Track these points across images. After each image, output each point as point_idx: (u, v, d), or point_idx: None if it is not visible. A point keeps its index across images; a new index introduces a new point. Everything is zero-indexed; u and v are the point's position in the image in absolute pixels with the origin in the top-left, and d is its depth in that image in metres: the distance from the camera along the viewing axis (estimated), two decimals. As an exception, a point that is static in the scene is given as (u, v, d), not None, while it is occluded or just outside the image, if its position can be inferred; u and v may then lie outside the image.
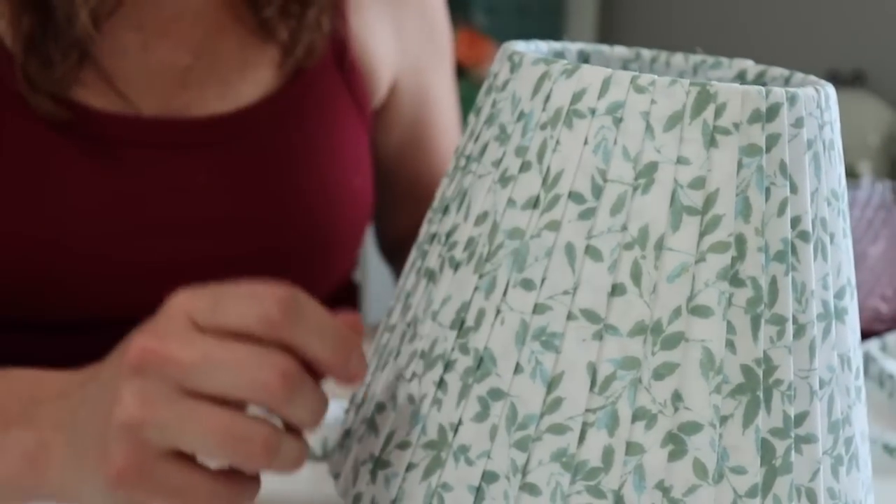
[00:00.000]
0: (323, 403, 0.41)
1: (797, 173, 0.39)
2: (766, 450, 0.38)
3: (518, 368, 0.39)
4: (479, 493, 0.39)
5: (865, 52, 2.78)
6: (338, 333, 0.41)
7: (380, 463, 0.42)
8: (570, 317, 0.38)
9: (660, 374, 0.37)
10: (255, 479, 0.42)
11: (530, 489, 0.38)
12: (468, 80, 2.47)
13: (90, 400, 0.43)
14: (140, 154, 0.67)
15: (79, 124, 0.65)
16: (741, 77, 0.49)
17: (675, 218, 0.38)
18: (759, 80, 0.48)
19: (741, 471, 0.38)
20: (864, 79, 2.75)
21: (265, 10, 0.70)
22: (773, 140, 0.38)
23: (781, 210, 0.39)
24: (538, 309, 0.39)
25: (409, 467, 0.40)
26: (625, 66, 0.50)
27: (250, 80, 0.71)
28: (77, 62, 0.65)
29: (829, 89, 0.41)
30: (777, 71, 0.48)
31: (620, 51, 0.50)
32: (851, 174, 2.41)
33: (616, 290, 0.38)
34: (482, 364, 0.39)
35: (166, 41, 0.68)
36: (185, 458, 0.41)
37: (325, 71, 0.74)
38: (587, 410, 0.38)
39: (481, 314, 0.40)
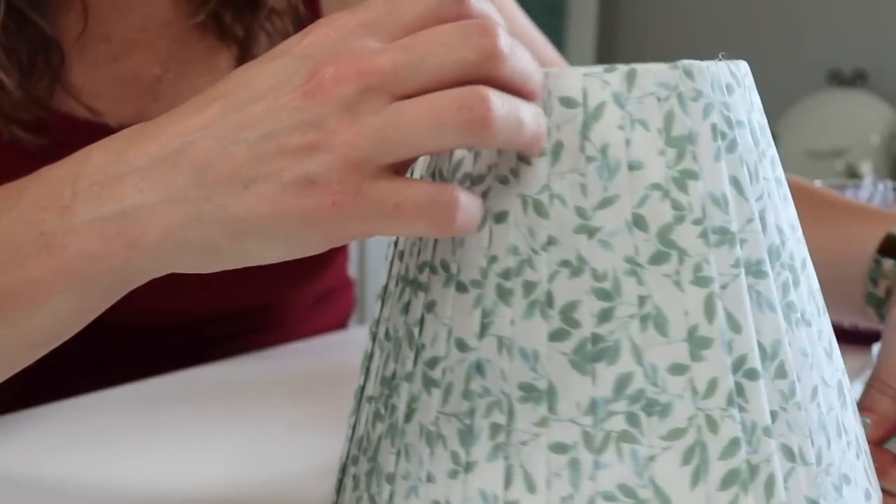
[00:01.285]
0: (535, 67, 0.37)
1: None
2: None
3: None
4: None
5: (866, 51, 2.78)
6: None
7: None
8: None
9: None
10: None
11: None
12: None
13: (225, 143, 0.37)
14: None
15: (52, 146, 0.65)
16: None
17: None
18: None
19: None
20: (866, 79, 2.75)
21: (224, 17, 0.70)
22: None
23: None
24: None
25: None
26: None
27: None
28: (49, 83, 0.65)
29: (735, 65, 0.41)
30: None
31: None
32: (853, 174, 2.41)
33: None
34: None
35: (135, 53, 0.68)
36: (396, 172, 0.37)
37: None
38: None
39: None
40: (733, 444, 0.38)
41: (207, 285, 0.72)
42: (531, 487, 0.38)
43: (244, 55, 0.70)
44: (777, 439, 0.38)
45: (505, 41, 0.36)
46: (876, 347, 0.73)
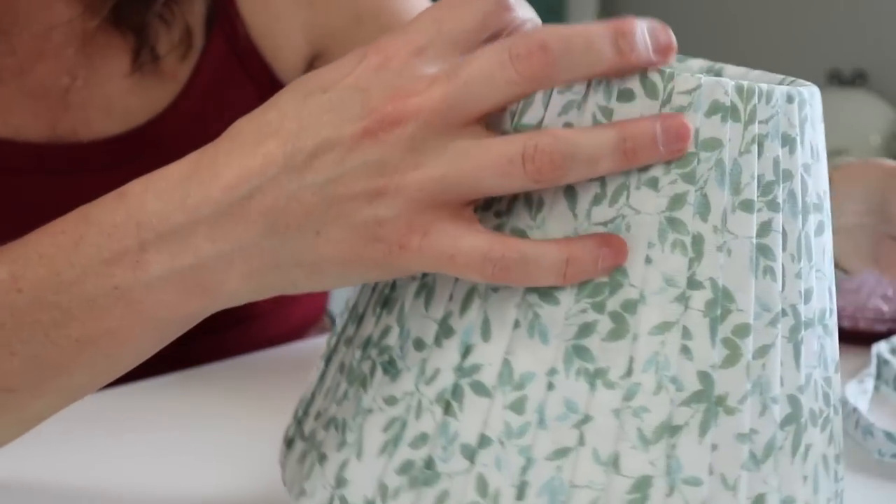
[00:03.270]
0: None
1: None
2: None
3: None
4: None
5: (866, 52, 2.78)
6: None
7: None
8: None
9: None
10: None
11: None
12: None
13: (290, 191, 0.37)
14: (34, 181, 0.66)
15: None
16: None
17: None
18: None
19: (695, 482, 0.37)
20: (865, 79, 2.75)
21: (122, 10, 0.67)
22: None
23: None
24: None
25: (675, 431, 0.37)
26: None
27: (138, 94, 0.69)
28: None
29: (810, 90, 0.40)
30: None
31: None
32: (852, 174, 2.41)
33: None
34: None
35: (42, 63, 0.67)
36: (466, 215, 0.37)
37: (222, 66, 0.71)
38: None
39: (699, 240, 0.38)
40: (421, 437, 0.39)
41: None
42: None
43: (140, 45, 0.68)
44: (465, 472, 0.38)
45: (550, 58, 0.35)
46: (875, 347, 0.73)
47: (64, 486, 0.53)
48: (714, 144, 0.37)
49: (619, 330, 0.37)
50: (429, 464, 0.38)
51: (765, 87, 0.37)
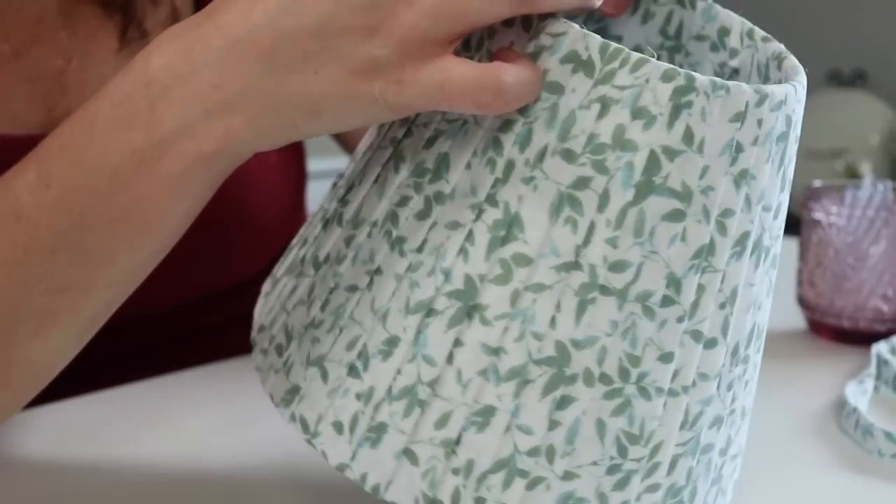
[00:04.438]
0: None
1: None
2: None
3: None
4: (496, 353, 0.40)
5: (866, 52, 2.78)
6: None
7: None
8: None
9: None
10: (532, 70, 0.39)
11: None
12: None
13: (289, 30, 0.38)
14: None
15: None
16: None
17: None
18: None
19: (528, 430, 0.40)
20: (865, 79, 2.75)
21: None
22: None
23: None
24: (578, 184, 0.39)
25: (431, 313, 0.40)
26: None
27: None
28: None
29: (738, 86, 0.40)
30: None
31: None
32: (853, 174, 2.41)
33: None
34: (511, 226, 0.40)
35: (36, 47, 0.67)
36: (448, 50, 0.38)
37: None
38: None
39: (510, 165, 0.40)
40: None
41: (170, 274, 0.71)
42: None
43: (126, 22, 0.68)
44: (311, 277, 0.45)
45: None
46: (875, 347, 0.73)
47: (65, 485, 0.53)
48: (556, 89, 0.39)
49: (424, 212, 0.41)
50: (302, 261, 0.46)
51: (635, 55, 0.38)
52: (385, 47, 0.37)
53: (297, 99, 0.39)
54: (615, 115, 0.38)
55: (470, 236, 0.40)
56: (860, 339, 0.81)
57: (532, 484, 0.40)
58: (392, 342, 0.41)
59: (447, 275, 0.40)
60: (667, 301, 0.40)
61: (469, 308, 0.40)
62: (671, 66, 0.39)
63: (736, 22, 0.50)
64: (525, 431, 0.40)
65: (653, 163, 0.39)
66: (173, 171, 0.40)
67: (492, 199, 0.40)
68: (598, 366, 0.40)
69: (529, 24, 0.39)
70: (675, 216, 0.39)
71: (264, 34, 0.38)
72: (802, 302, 0.84)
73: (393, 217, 0.42)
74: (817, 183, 0.85)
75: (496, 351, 0.40)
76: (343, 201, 0.45)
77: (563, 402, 0.40)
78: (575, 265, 0.39)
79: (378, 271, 0.42)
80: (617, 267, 0.39)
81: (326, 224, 0.45)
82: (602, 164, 0.39)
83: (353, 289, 0.42)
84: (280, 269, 0.49)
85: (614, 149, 0.39)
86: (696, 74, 0.38)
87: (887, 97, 2.72)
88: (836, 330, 0.82)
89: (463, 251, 0.40)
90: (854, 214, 0.80)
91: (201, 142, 0.40)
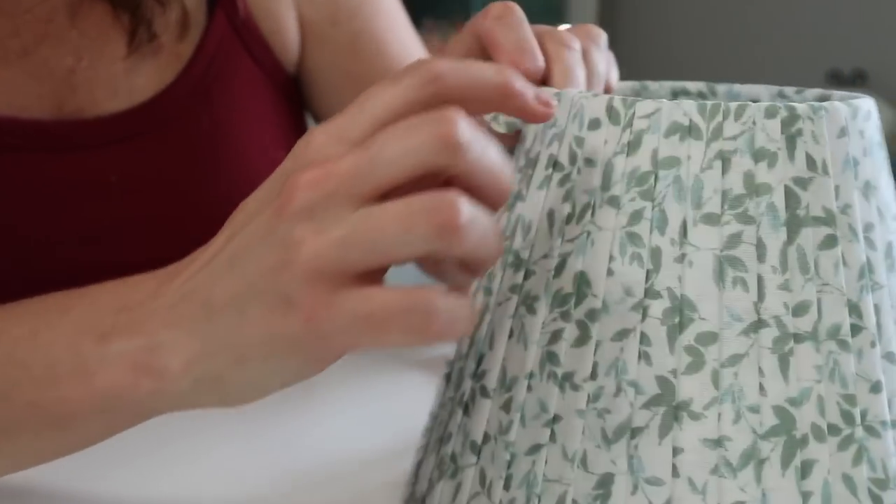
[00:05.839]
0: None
1: None
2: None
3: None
4: (720, 444, 0.38)
5: (866, 52, 2.78)
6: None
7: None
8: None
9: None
10: (461, 297, 0.36)
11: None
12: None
13: (222, 275, 0.38)
14: (38, 159, 0.66)
15: None
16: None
17: None
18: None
19: None
20: (865, 79, 2.75)
21: None
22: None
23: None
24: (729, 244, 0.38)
25: (636, 433, 0.38)
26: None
27: (142, 74, 0.70)
28: None
29: (819, 106, 0.40)
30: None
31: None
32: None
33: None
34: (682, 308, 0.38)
35: (45, 45, 0.67)
36: (370, 281, 0.36)
37: (224, 45, 0.72)
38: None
39: (657, 253, 0.38)
40: (447, 437, 0.43)
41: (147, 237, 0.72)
42: None
43: (135, 24, 0.69)
44: (474, 465, 0.41)
45: (463, 130, 0.35)
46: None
47: (63, 485, 0.53)
48: (672, 163, 0.38)
49: (583, 337, 0.39)
50: (453, 457, 0.42)
51: (734, 105, 0.38)
52: (294, 280, 0.35)
53: (223, 342, 0.38)
54: (738, 165, 0.38)
55: (644, 338, 0.38)
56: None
57: None
58: (605, 482, 0.38)
59: (636, 386, 0.38)
60: (855, 329, 0.39)
61: (674, 410, 0.38)
62: (769, 103, 0.39)
63: (762, 90, 0.50)
64: None
65: (791, 197, 0.38)
66: (103, 391, 0.40)
67: (651, 293, 0.38)
68: (822, 417, 0.38)
69: (618, 118, 0.39)
70: (830, 242, 0.39)
71: (203, 279, 0.39)
72: (803, 302, 0.84)
73: (550, 357, 0.39)
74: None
75: (719, 442, 0.38)
76: (478, 375, 0.42)
77: (806, 469, 0.38)
78: (760, 323, 0.38)
79: (556, 419, 0.39)
80: (800, 310, 0.38)
81: (467, 407, 0.42)
82: (745, 214, 0.38)
83: (535, 449, 0.39)
84: (419, 483, 0.45)
85: (751, 196, 0.38)
86: (793, 104, 0.39)
87: (887, 97, 2.71)
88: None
89: (643, 355, 0.38)
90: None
91: (138, 373, 0.40)
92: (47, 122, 0.66)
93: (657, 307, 0.38)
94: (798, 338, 0.38)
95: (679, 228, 0.38)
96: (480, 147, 0.36)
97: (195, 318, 0.39)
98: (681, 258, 0.38)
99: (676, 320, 0.38)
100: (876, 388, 0.39)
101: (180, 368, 0.39)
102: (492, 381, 0.41)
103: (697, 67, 2.98)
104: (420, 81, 0.37)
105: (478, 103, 0.38)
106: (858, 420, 0.39)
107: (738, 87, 0.50)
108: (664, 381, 0.38)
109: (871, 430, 0.39)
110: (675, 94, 0.51)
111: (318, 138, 0.37)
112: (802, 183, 0.39)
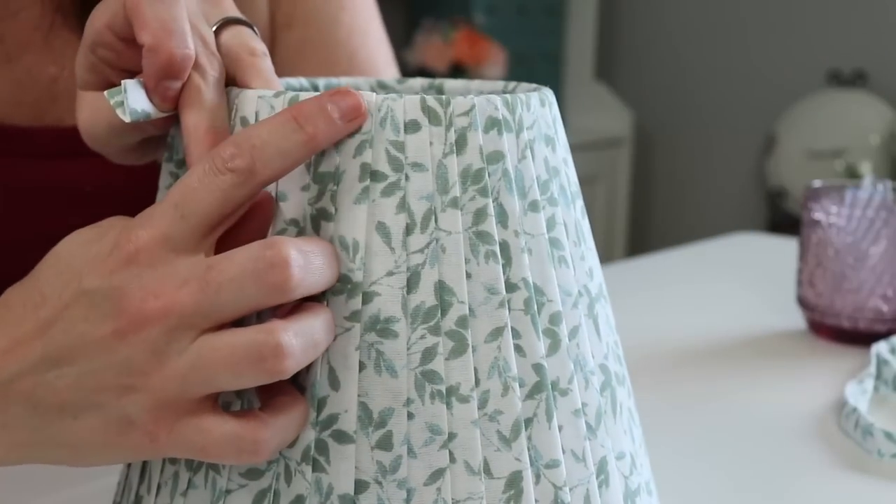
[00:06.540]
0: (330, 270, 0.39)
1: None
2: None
3: None
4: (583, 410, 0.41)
5: (866, 52, 2.78)
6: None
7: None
8: None
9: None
10: (294, 413, 0.39)
11: None
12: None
13: (48, 376, 0.39)
14: (20, 164, 0.66)
15: None
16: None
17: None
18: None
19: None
20: (865, 79, 2.75)
21: (90, 5, 0.68)
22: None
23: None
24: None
25: (529, 423, 0.39)
26: None
27: None
28: None
29: (548, 92, 0.43)
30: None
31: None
32: (853, 174, 2.41)
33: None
34: None
35: (28, 53, 0.67)
36: (210, 403, 0.39)
37: None
38: None
39: (505, 246, 0.40)
40: (298, 500, 0.38)
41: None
42: None
43: None
44: None
45: (295, 272, 0.37)
46: (875, 347, 0.73)
47: (63, 483, 0.53)
48: (497, 157, 0.39)
49: (460, 346, 0.38)
50: None
51: (523, 96, 0.40)
52: (137, 405, 0.38)
53: (58, 440, 0.39)
54: (539, 152, 0.41)
55: (515, 332, 0.39)
56: (860, 339, 0.81)
57: None
58: (513, 482, 0.39)
59: (519, 380, 0.39)
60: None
61: (551, 391, 0.40)
62: (537, 92, 0.42)
63: (362, 82, 0.50)
64: None
65: (567, 176, 0.43)
66: None
67: (510, 286, 0.39)
68: (619, 365, 0.44)
69: (438, 118, 0.39)
70: (583, 213, 0.44)
71: (26, 378, 0.39)
72: (802, 302, 0.84)
73: (428, 377, 0.38)
74: (817, 183, 0.85)
75: (581, 410, 0.41)
76: (323, 422, 0.39)
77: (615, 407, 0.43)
78: (580, 293, 0.42)
79: (452, 437, 0.38)
80: (592, 274, 0.43)
81: (315, 462, 0.39)
82: (552, 198, 0.41)
83: (436, 476, 0.38)
84: None
85: (551, 180, 0.41)
86: (544, 91, 0.43)
87: (887, 97, 2.71)
88: (836, 330, 0.82)
89: (517, 349, 0.39)
90: (854, 214, 0.80)
91: None
92: (27, 129, 0.66)
93: (518, 299, 0.39)
94: (596, 299, 0.43)
95: (517, 219, 0.39)
96: (310, 276, 0.38)
97: (18, 413, 0.39)
98: (524, 248, 0.39)
99: (535, 308, 0.39)
100: (614, 329, 0.46)
101: (3, 454, 0.40)
102: (349, 423, 0.38)
103: (697, 67, 2.98)
104: (234, 180, 0.37)
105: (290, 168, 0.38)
106: (622, 358, 0.45)
107: (335, 80, 0.50)
108: (539, 367, 0.39)
109: (622, 361, 0.45)
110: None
111: (147, 248, 0.38)
112: (566, 162, 0.43)
